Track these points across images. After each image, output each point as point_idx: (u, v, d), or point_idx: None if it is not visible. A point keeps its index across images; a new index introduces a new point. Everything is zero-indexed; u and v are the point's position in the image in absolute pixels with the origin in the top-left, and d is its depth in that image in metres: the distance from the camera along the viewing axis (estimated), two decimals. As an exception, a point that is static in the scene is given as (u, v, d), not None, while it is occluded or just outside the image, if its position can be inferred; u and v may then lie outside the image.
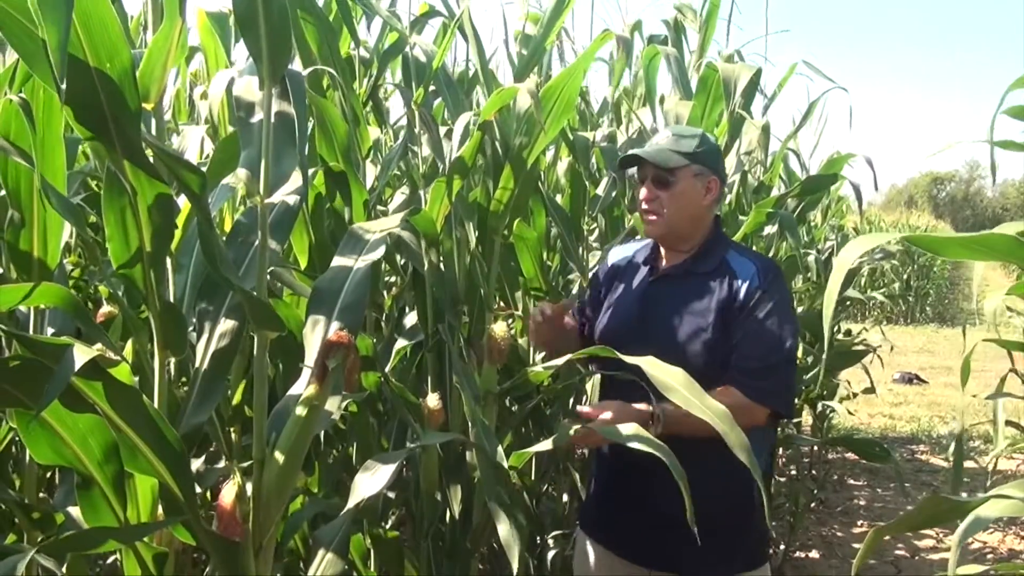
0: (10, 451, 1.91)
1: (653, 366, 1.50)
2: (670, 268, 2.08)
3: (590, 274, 2.66)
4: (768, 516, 1.78)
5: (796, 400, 4.50)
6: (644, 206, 2.05)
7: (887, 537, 1.10)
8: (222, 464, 2.08)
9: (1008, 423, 3.24)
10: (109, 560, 2.26)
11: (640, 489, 1.98)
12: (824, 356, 2.00)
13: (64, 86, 1.05)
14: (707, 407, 1.44)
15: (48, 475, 2.28)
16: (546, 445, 1.79)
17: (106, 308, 2.28)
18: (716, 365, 1.91)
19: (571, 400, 2.87)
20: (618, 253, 2.28)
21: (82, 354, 1.06)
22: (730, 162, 3.17)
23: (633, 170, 2.20)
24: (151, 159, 1.28)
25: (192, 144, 2.05)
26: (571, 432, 1.80)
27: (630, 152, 2.08)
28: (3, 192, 1.59)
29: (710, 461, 1.53)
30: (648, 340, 1.60)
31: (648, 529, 2.01)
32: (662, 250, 2.13)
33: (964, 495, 1.09)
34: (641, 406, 1.82)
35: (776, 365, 1.91)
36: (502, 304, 2.49)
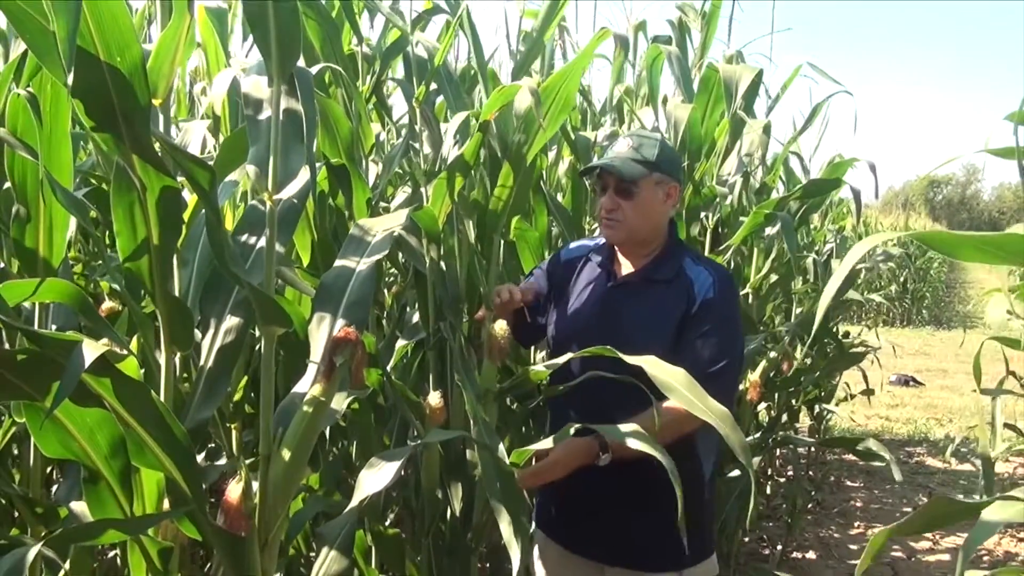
0: (10, 447, 1.91)
1: (654, 366, 1.52)
2: (629, 275, 2.12)
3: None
4: (714, 512, 1.83)
5: (796, 402, 4.53)
6: (605, 215, 2.08)
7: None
8: (223, 460, 2.09)
9: (1006, 425, 3.25)
10: (110, 555, 2.26)
11: (594, 488, 2.00)
12: (813, 347, 2.00)
13: (73, 79, 1.06)
14: (708, 408, 1.45)
15: (49, 470, 2.28)
16: (546, 443, 1.81)
17: (108, 303, 2.28)
18: None
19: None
20: (570, 249, 2.29)
21: (92, 350, 1.06)
22: (731, 163, 3.18)
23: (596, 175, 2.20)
24: (159, 154, 1.28)
25: (194, 140, 2.06)
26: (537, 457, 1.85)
27: (595, 163, 2.11)
28: (7, 184, 1.60)
29: (659, 464, 1.54)
30: (608, 346, 1.62)
31: (603, 527, 2.06)
32: (619, 254, 2.16)
33: (961, 497, 1.10)
34: (588, 439, 1.86)
35: (718, 372, 1.94)
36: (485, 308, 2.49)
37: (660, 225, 2.11)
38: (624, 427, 1.61)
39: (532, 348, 2.72)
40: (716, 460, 2.08)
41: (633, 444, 1.56)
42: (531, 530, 2.26)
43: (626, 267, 2.14)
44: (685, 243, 2.24)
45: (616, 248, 2.16)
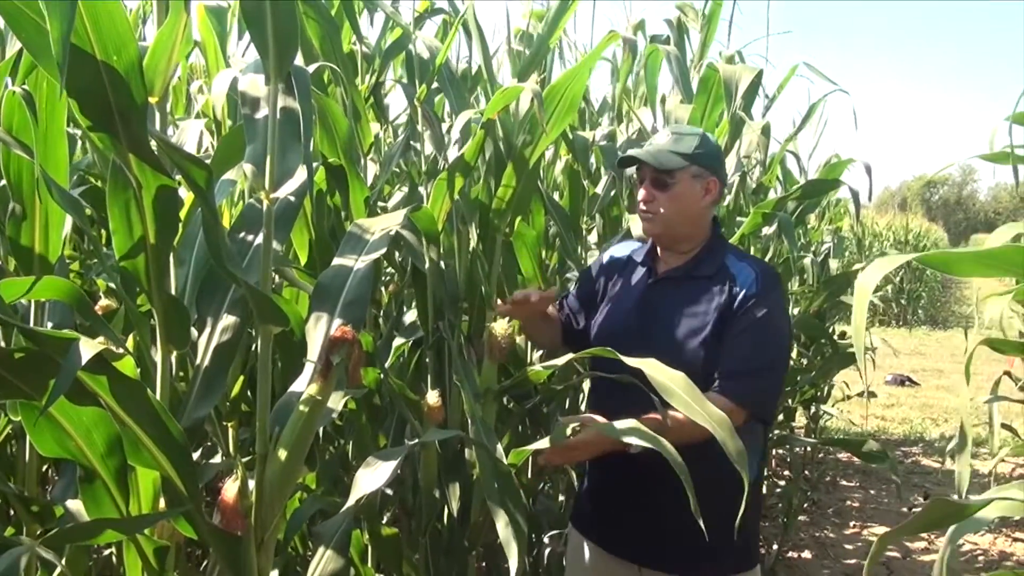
0: (6, 445, 1.91)
1: (654, 369, 1.50)
2: (670, 271, 2.09)
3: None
4: (758, 520, 1.81)
5: (792, 401, 4.53)
6: (642, 206, 2.06)
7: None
8: (218, 459, 2.08)
9: (1003, 426, 3.26)
10: (105, 553, 2.26)
11: (633, 488, 1.99)
12: (810, 347, 2.00)
13: (68, 78, 1.05)
14: (706, 413, 1.44)
15: (45, 469, 2.27)
16: (544, 443, 1.80)
17: (103, 301, 2.28)
18: (714, 369, 1.92)
19: (567, 401, 2.87)
20: (614, 251, 2.28)
21: (88, 348, 1.06)
22: (730, 163, 3.18)
23: (632, 169, 2.20)
24: (155, 153, 1.28)
25: (190, 138, 2.05)
26: (567, 431, 1.81)
27: (628, 153, 2.09)
28: (3, 182, 1.59)
29: (702, 465, 1.52)
30: (647, 342, 1.60)
31: (641, 528, 2.02)
32: (660, 251, 2.14)
33: (955, 498, 1.10)
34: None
35: (759, 369, 1.92)
36: (501, 302, 2.50)
37: (699, 220, 2.06)
38: (631, 423, 1.59)
39: (528, 348, 2.72)
40: (757, 469, 2.01)
41: (645, 442, 1.53)
42: (567, 529, 2.25)
43: (667, 264, 2.11)
44: (728, 241, 2.20)
45: (658, 246, 2.13)
